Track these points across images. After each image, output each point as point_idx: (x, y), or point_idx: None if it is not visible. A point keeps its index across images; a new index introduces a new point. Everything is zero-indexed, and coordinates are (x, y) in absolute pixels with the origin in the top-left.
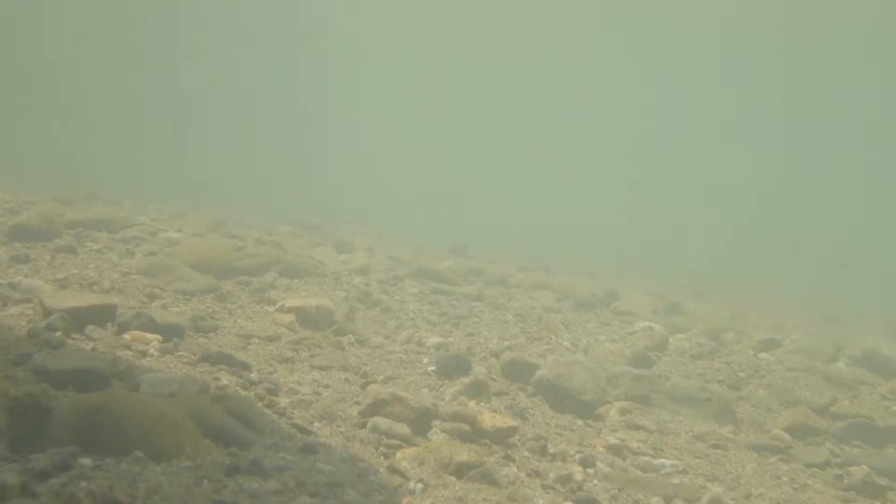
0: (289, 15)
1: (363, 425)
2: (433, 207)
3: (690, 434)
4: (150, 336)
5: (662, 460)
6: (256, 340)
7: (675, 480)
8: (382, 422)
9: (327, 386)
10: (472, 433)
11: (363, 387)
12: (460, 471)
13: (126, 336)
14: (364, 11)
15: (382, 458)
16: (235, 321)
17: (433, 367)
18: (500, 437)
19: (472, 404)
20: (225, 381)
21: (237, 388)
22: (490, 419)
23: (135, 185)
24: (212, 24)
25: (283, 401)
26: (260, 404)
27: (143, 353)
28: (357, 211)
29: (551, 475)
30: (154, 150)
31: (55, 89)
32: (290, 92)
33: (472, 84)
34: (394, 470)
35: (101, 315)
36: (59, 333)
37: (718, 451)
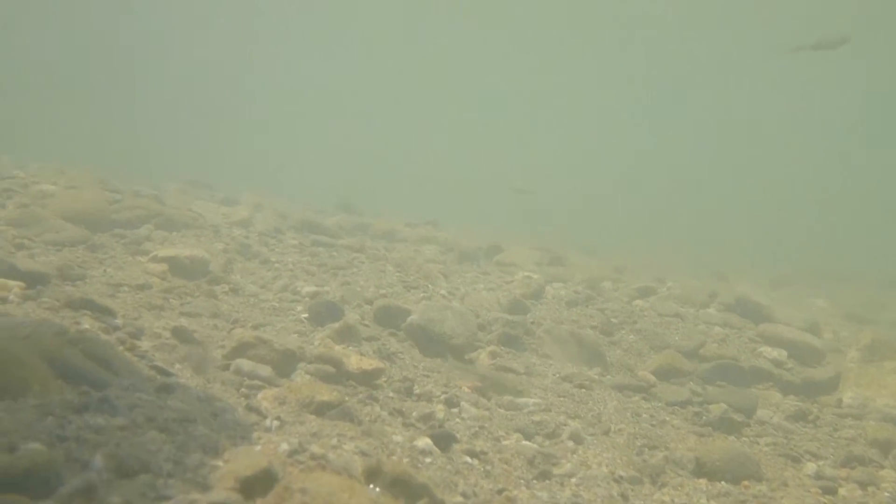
0: None
1: (226, 368)
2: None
3: (557, 376)
4: (11, 283)
5: (526, 399)
6: (126, 289)
7: (537, 418)
8: (245, 363)
9: (194, 331)
10: (337, 375)
11: (231, 332)
12: (321, 410)
13: None
14: None
15: (243, 398)
16: (105, 270)
17: (306, 315)
18: (366, 379)
19: (338, 348)
20: (86, 326)
21: (98, 332)
22: (356, 361)
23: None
24: None
25: (145, 344)
26: (121, 347)
27: (3, 300)
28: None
29: (414, 414)
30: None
31: None
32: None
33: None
34: (252, 409)
35: None
36: None
37: (583, 391)
